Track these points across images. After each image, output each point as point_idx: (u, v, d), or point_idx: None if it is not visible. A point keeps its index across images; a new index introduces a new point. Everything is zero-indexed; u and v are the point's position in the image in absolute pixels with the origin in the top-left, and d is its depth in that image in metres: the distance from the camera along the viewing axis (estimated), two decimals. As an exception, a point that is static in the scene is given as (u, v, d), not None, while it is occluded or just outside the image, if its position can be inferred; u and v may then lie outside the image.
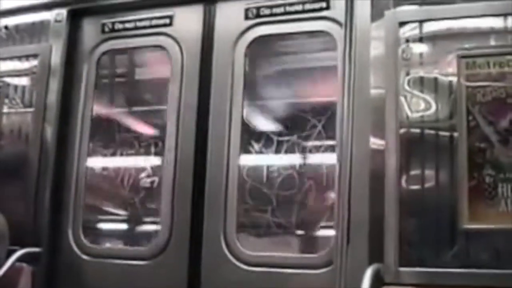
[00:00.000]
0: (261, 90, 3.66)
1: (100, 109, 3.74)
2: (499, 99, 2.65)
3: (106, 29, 3.68)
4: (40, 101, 3.57)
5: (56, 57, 3.62)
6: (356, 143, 2.73)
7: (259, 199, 3.33)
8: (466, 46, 2.74)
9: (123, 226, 3.80)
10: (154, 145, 3.63)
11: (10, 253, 3.17)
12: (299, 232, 3.38)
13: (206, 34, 3.45)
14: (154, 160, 3.59)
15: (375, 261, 2.65)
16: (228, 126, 3.28)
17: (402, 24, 2.86)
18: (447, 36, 2.79)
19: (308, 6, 3.25)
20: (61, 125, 3.58)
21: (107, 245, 3.72)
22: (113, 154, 3.73)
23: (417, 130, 2.75)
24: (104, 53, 3.70)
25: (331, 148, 3.20)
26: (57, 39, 3.66)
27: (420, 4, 2.88)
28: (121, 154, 3.73)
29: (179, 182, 3.32)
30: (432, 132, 2.72)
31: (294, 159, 3.36)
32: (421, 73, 2.79)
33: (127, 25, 3.64)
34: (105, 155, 3.73)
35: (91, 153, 3.63)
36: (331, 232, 2.90)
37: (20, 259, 3.22)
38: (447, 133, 2.70)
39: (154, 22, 3.57)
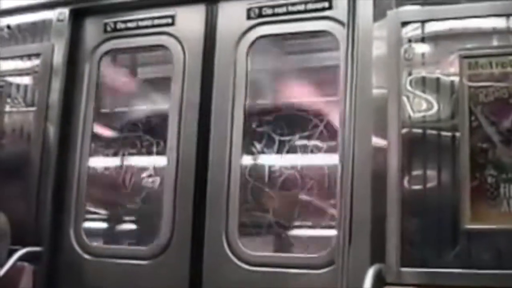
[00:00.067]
0: (263, 90, 3.66)
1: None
2: (502, 99, 2.64)
3: (108, 29, 3.68)
4: (42, 100, 3.57)
5: (58, 57, 3.62)
6: (358, 143, 2.73)
7: (261, 199, 3.33)
8: (469, 46, 2.74)
9: (124, 226, 3.80)
10: (156, 145, 3.63)
11: (11, 252, 3.17)
12: (301, 232, 3.38)
13: (208, 33, 3.45)
14: (156, 160, 3.59)
15: (377, 261, 2.65)
16: (230, 125, 3.28)
17: (404, 24, 2.85)
18: (450, 36, 2.79)
19: (310, 6, 3.25)
20: (63, 125, 3.58)
21: (109, 244, 3.71)
22: (115, 154, 3.73)
23: (419, 130, 2.74)
24: (106, 53, 3.70)
25: (333, 148, 3.20)
26: (59, 38, 3.66)
27: (423, 4, 2.88)
28: (123, 154, 3.73)
29: (181, 182, 3.32)
30: (434, 132, 2.72)
31: (296, 159, 3.36)
32: (423, 73, 2.78)
33: (129, 25, 3.64)
34: (107, 155, 3.74)
35: (93, 152, 3.63)
36: (333, 232, 2.90)
37: (21, 258, 3.22)
38: (449, 133, 2.69)
39: (156, 21, 3.57)
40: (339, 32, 3.09)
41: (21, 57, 3.71)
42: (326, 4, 3.21)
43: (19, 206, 3.41)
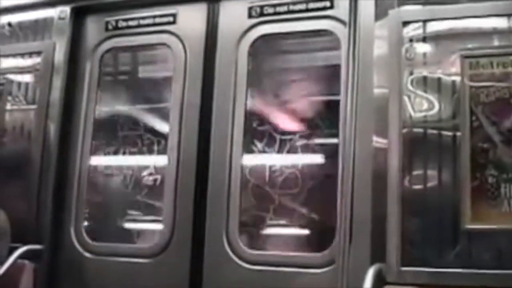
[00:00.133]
0: (264, 89, 3.66)
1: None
2: (503, 99, 2.64)
3: (110, 27, 3.68)
4: (43, 98, 3.57)
5: (60, 55, 3.62)
6: (359, 142, 2.73)
7: (261, 198, 3.33)
8: (470, 46, 2.74)
9: (125, 224, 3.80)
10: (157, 144, 3.63)
11: (12, 250, 3.17)
12: (301, 231, 3.38)
13: (209, 32, 3.45)
14: (157, 159, 3.59)
15: (377, 261, 2.65)
16: (231, 124, 3.28)
17: (405, 23, 2.85)
18: (451, 36, 2.79)
19: (311, 5, 3.25)
20: (64, 123, 3.58)
21: (109, 243, 3.71)
22: (116, 152, 3.73)
23: (420, 130, 2.74)
24: (107, 51, 3.70)
25: (334, 148, 3.20)
26: (60, 36, 3.66)
27: (424, 3, 2.88)
28: (124, 153, 3.73)
29: (181, 181, 3.32)
30: (435, 132, 2.72)
31: (297, 158, 3.36)
32: (425, 72, 2.78)
33: (131, 23, 3.64)
34: (107, 153, 3.74)
35: (94, 151, 3.63)
36: (333, 232, 2.90)
37: (22, 256, 3.22)
38: (450, 133, 2.69)
39: (158, 20, 3.57)
40: (341, 31, 3.09)
41: (22, 55, 3.71)
42: (328, 3, 3.21)
43: (19, 204, 3.41)
